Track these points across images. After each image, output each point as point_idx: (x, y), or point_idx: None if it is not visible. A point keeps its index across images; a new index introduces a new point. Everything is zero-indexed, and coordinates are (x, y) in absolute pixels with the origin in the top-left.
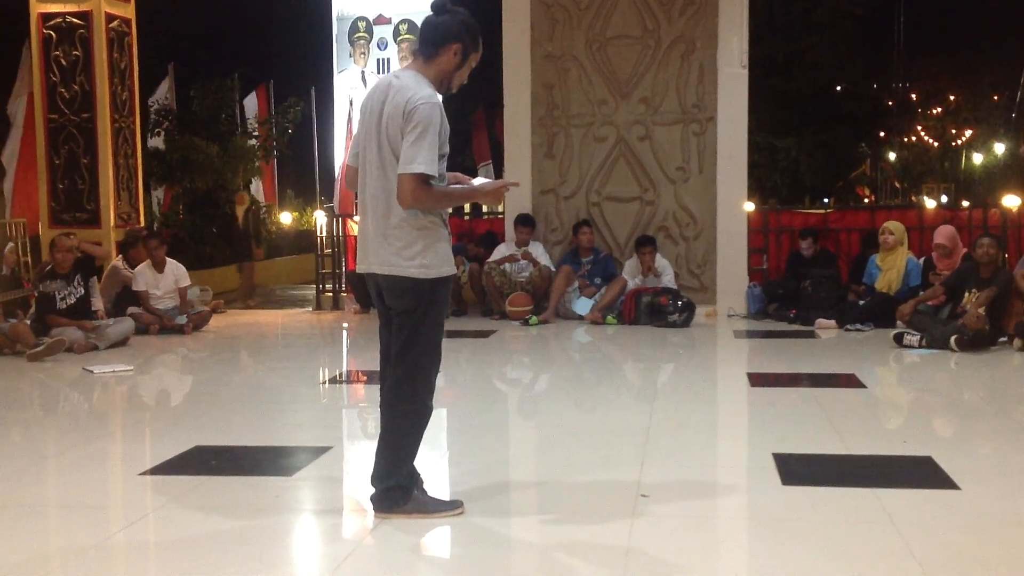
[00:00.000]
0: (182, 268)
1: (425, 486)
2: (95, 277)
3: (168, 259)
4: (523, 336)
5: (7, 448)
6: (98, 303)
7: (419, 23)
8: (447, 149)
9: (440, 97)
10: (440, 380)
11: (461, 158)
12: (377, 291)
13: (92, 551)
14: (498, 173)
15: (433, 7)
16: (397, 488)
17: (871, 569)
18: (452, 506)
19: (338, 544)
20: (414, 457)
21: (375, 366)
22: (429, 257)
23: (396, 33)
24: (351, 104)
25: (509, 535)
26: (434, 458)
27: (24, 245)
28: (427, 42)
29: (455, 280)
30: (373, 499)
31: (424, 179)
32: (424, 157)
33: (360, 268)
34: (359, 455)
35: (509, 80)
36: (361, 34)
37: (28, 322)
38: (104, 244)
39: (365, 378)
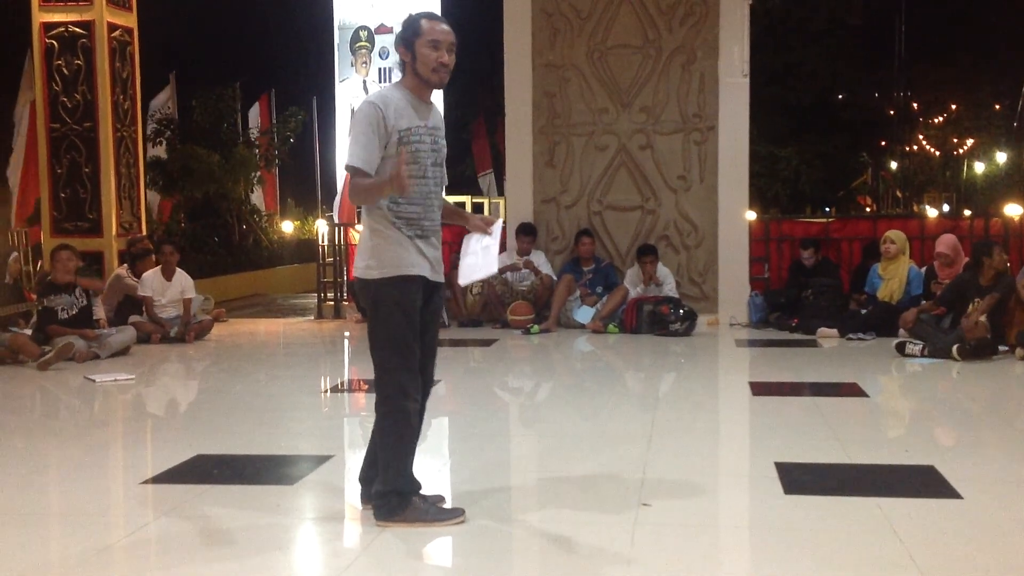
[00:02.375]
0: (190, 280)
1: (424, 492)
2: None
3: (178, 269)
4: (525, 345)
5: (9, 456)
6: (100, 312)
7: None
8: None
9: (391, 96)
10: (441, 389)
11: (462, 167)
12: None
13: (94, 559)
14: (499, 182)
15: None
16: (392, 494)
17: None
18: (454, 515)
19: (340, 553)
20: (404, 461)
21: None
22: (374, 259)
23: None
24: (352, 113)
25: (511, 544)
26: (436, 466)
27: (27, 255)
28: (398, 52)
29: (463, 290)
30: (373, 507)
31: (352, 171)
32: (351, 150)
33: None
34: (361, 464)
35: (510, 89)
36: (363, 43)
37: (28, 332)
38: (105, 254)
39: (367, 387)
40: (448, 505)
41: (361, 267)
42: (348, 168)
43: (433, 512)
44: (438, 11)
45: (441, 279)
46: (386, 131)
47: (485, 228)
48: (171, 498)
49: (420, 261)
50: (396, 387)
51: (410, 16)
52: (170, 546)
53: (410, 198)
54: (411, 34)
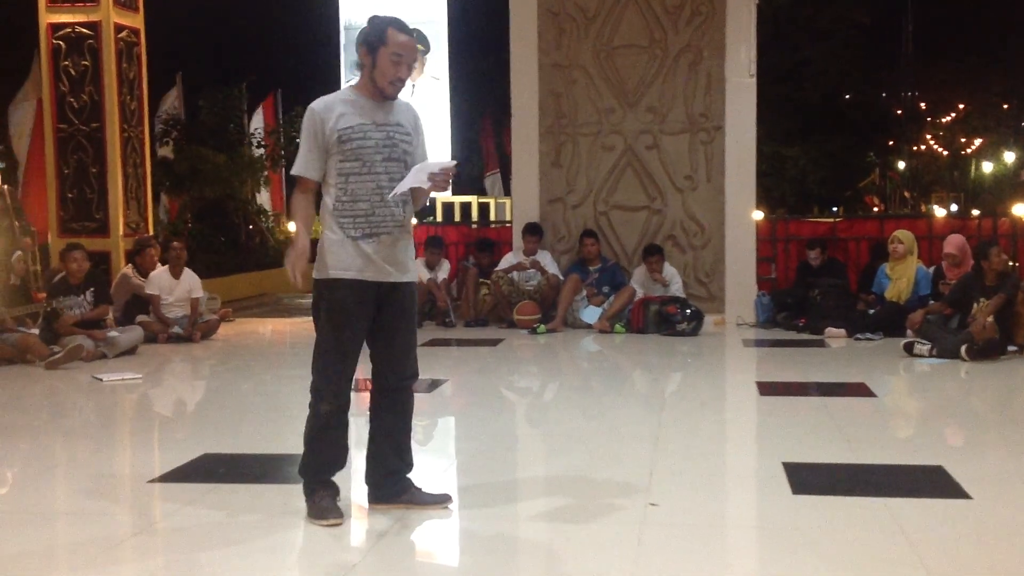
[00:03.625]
0: (197, 279)
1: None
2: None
3: (185, 268)
4: (531, 345)
5: (16, 456)
6: (110, 311)
7: (428, 33)
8: (354, 146)
9: (339, 98)
10: (448, 388)
11: (469, 167)
12: None
13: (101, 558)
14: (506, 182)
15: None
16: (305, 485)
17: None
18: (335, 514)
19: (346, 552)
20: (313, 456)
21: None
22: (318, 259)
23: None
24: None
25: (517, 545)
26: (443, 466)
27: (34, 254)
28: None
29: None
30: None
31: (296, 179)
32: (297, 158)
33: None
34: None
35: (516, 89)
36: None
37: (36, 332)
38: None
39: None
40: (453, 503)
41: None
42: (292, 175)
43: (316, 512)
44: (444, 13)
45: (401, 278)
46: (325, 135)
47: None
48: (178, 497)
49: (358, 263)
50: (313, 386)
51: (377, 18)
52: (177, 545)
53: (355, 194)
54: (376, 39)
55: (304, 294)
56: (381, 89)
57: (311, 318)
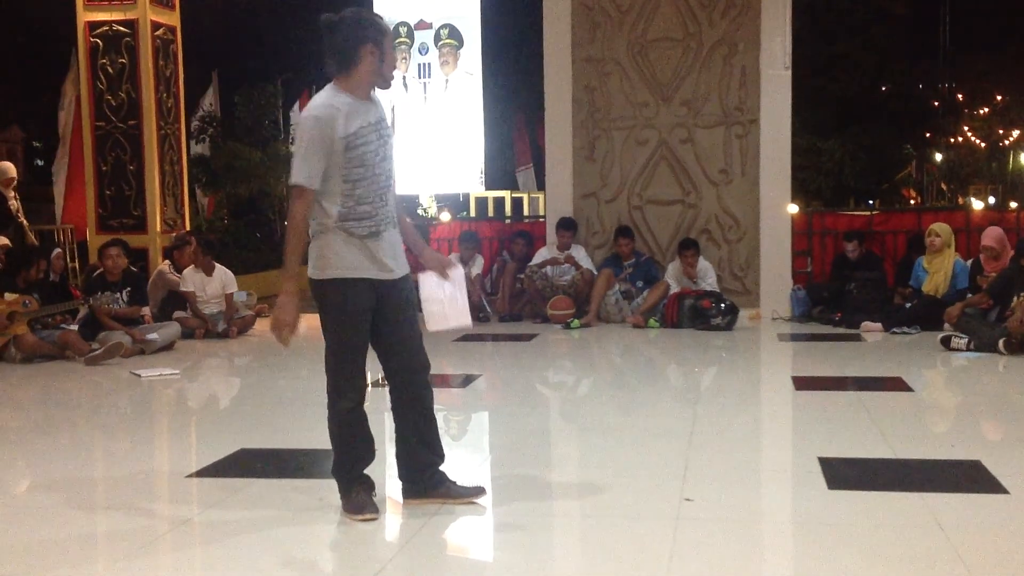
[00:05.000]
0: (230, 275)
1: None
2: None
3: (217, 264)
4: (565, 340)
5: (56, 451)
6: (146, 310)
7: (460, 28)
8: (366, 156)
9: (337, 104)
10: (482, 383)
11: (502, 161)
12: None
13: (140, 552)
14: (539, 176)
15: (324, 26)
16: (338, 482)
17: (919, 574)
18: (370, 510)
19: (383, 546)
20: (344, 455)
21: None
22: (321, 259)
23: (437, 38)
24: (392, 109)
25: (552, 540)
26: (477, 461)
27: (72, 251)
28: (343, 60)
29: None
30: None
31: (296, 189)
32: (295, 165)
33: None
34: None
35: (550, 83)
36: (402, 39)
37: (76, 327)
38: (150, 251)
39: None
40: (488, 498)
41: (310, 266)
42: (293, 185)
43: (353, 507)
44: (477, 8)
45: (402, 272)
46: (333, 143)
47: (443, 271)
48: (216, 492)
49: (366, 264)
50: (331, 387)
51: (366, 12)
52: (215, 539)
53: (360, 199)
54: (379, 33)
55: None
56: (387, 80)
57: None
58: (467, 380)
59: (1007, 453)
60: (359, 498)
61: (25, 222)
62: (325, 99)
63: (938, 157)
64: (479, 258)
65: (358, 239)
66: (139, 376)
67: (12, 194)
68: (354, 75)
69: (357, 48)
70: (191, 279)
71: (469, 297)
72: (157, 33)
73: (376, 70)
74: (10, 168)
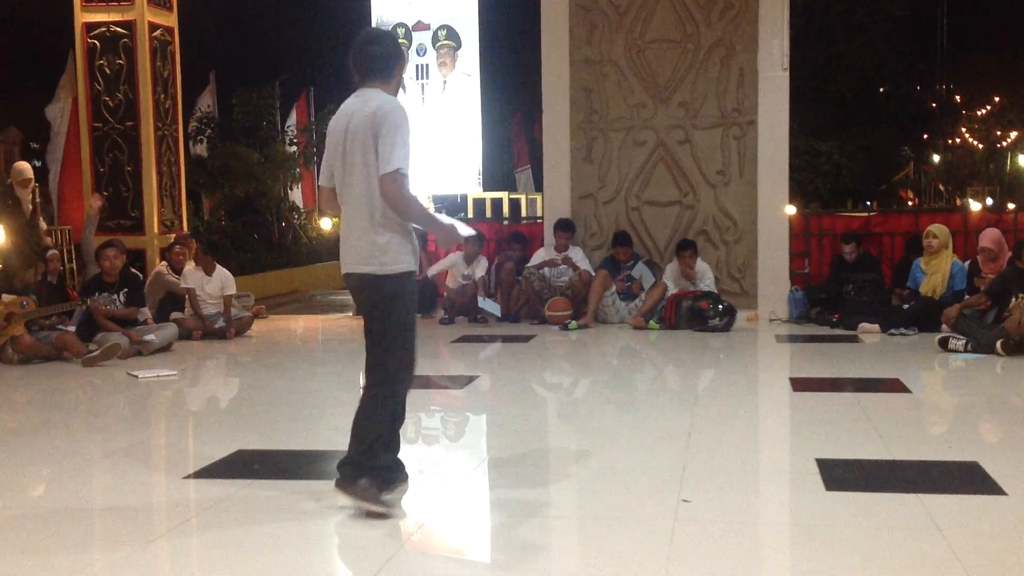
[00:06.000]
0: (230, 277)
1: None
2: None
3: (218, 266)
4: (563, 341)
5: (53, 452)
6: (145, 311)
7: (458, 29)
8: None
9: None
10: (480, 385)
11: (500, 163)
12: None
13: (137, 554)
14: (537, 177)
15: (373, 39)
16: (384, 468)
17: None
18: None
19: (379, 548)
20: (392, 439)
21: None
22: (391, 254)
23: (435, 39)
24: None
25: (550, 540)
26: (474, 463)
27: (69, 252)
28: (385, 67)
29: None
30: (362, 480)
31: (401, 175)
32: (399, 153)
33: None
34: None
35: (548, 85)
36: (400, 40)
37: (73, 328)
38: (147, 252)
39: None
40: (486, 500)
41: (376, 262)
42: (398, 172)
43: (386, 491)
44: (475, 9)
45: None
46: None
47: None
48: (213, 493)
49: (413, 257)
50: (393, 375)
51: (395, 33)
52: (212, 540)
53: None
54: (401, 52)
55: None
56: (396, 94)
57: (344, 315)
58: (466, 381)
59: (1005, 454)
60: (397, 488)
61: (43, 224)
62: (393, 97)
63: (936, 158)
64: (483, 260)
65: (411, 234)
66: (136, 377)
67: (29, 196)
68: (390, 84)
69: (397, 62)
70: (191, 277)
71: (469, 298)
72: (155, 34)
73: (400, 84)
74: (26, 169)
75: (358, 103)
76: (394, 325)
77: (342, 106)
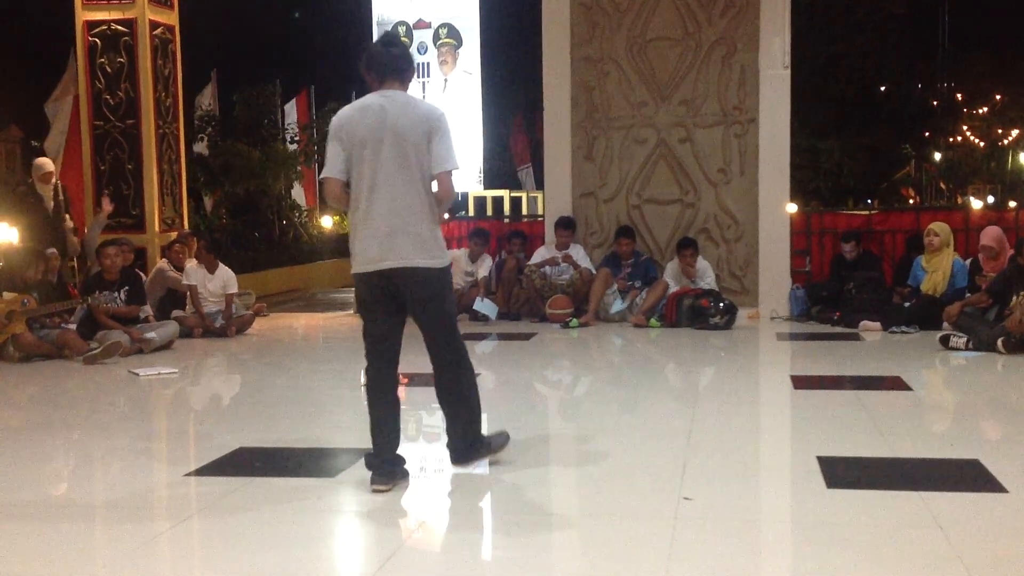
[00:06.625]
0: (232, 275)
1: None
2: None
3: (220, 264)
4: (563, 339)
5: (53, 449)
6: (147, 309)
7: (459, 27)
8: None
9: None
10: (481, 383)
11: (501, 161)
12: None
13: (138, 551)
14: (538, 175)
15: (392, 42)
16: (481, 446)
17: (917, 574)
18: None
19: (381, 545)
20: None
21: (415, 368)
22: (438, 249)
23: (436, 37)
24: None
25: (550, 539)
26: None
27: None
28: (405, 69)
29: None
30: (469, 451)
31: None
32: (454, 153)
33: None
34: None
35: (549, 83)
36: (401, 38)
37: (73, 327)
38: (148, 250)
39: (407, 380)
40: (487, 498)
41: (432, 255)
42: (455, 168)
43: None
44: (476, 7)
45: None
46: None
47: None
48: (214, 490)
49: None
50: (466, 358)
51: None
52: (213, 538)
53: None
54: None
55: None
56: None
57: (345, 312)
58: None
59: (1006, 452)
60: (398, 483)
61: (70, 223)
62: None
63: (937, 157)
64: (487, 258)
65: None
66: (137, 375)
67: (50, 192)
68: (406, 84)
69: (412, 64)
70: (193, 274)
71: (469, 299)
72: (156, 32)
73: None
74: (46, 163)
75: (386, 102)
76: (448, 311)
77: (364, 103)
